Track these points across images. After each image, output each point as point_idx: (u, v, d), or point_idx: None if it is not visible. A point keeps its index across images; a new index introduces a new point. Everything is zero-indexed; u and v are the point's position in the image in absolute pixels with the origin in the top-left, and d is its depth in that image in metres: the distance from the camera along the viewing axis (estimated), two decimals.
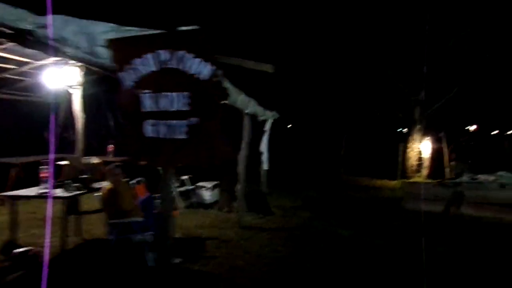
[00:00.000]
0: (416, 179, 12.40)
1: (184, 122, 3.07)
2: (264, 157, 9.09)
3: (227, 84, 4.50)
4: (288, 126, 22.65)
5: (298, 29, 14.03)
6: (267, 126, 9.14)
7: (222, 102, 4.07)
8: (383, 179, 12.33)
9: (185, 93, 3.06)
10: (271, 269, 4.17)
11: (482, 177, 9.04)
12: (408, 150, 12.70)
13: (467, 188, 7.38)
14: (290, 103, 15.44)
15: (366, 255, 4.84)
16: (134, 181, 5.18)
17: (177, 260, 4.25)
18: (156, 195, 4.32)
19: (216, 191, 7.80)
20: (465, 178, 8.76)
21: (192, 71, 3.01)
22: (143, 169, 4.37)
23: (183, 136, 3.09)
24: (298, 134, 19.44)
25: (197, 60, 3.00)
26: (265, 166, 9.02)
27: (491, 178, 9.00)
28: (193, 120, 3.05)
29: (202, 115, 3.03)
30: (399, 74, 12.34)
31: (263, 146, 9.14)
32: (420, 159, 12.68)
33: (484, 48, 11.61)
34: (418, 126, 12.55)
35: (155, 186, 4.29)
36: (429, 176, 12.40)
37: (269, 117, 9.02)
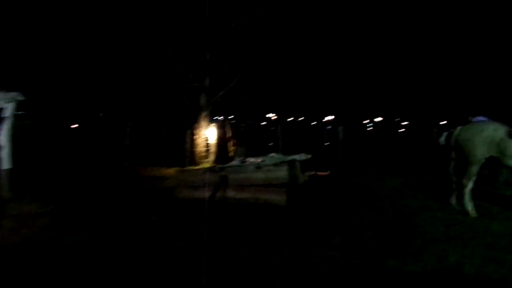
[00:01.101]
0: (204, 165, 12.58)
1: None
2: (4, 153, 7.23)
3: None
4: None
5: None
6: (7, 113, 7.30)
7: None
8: (172, 167, 11.99)
9: None
10: None
11: (251, 159, 9.67)
12: (196, 137, 12.74)
13: (231, 171, 7.58)
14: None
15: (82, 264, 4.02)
16: None
17: None
18: None
19: None
20: (235, 162, 9.13)
21: None
22: None
23: None
24: (72, 125, 17.02)
25: None
26: (5, 164, 7.19)
27: (259, 159, 9.73)
28: None
29: None
30: (182, 59, 12.10)
31: (2, 139, 7.25)
32: (208, 145, 12.94)
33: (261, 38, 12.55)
34: (204, 113, 12.71)
35: None
36: (216, 161, 12.79)
37: (8, 101, 7.20)
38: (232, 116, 15.79)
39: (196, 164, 12.58)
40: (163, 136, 11.54)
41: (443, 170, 11.09)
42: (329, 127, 18.45)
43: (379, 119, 37.43)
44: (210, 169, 7.85)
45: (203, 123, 12.77)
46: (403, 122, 32.54)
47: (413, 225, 5.63)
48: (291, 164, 9.69)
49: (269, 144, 15.23)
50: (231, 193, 7.43)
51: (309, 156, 11.74)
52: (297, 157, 11.27)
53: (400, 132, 22.64)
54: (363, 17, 17.79)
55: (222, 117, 12.66)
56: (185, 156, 12.24)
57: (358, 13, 17.68)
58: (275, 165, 7.51)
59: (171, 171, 11.54)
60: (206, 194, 7.59)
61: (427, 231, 5.27)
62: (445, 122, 22.72)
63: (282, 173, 7.25)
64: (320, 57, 19.79)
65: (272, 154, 11.69)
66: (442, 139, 14.36)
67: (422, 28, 14.53)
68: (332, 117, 34.23)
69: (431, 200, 7.39)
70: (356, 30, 19.55)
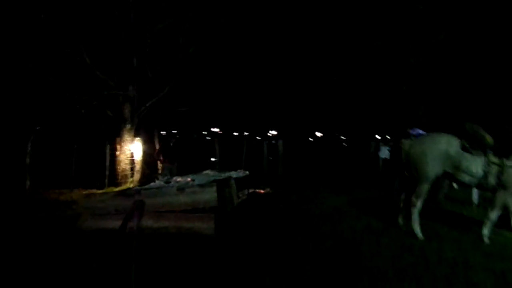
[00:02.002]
0: (127, 185, 11.01)
1: None
2: None
3: None
4: None
5: None
6: None
7: None
8: (88, 188, 10.29)
9: None
10: None
11: (178, 178, 8.41)
12: (118, 152, 11.16)
13: (148, 195, 6.26)
14: None
15: None
16: None
17: None
18: None
19: None
20: (157, 182, 7.82)
21: None
22: None
23: None
24: None
25: None
26: None
27: (188, 178, 8.50)
28: None
29: None
30: (101, 64, 10.57)
31: None
32: (133, 162, 11.40)
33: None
34: (128, 126, 11.19)
35: None
36: (141, 181, 11.29)
37: None
38: (165, 132, 14.37)
39: (119, 184, 10.96)
40: (74, 151, 9.81)
41: (386, 186, 10.84)
42: (273, 141, 17.77)
43: (319, 134, 37.89)
44: (122, 193, 6.46)
45: (127, 137, 11.23)
46: (342, 136, 33.05)
47: (358, 255, 4.77)
48: (225, 183, 8.59)
49: (212, 160, 14.06)
50: (148, 222, 6.11)
51: (247, 172, 10.76)
52: (233, 174, 10.22)
53: (341, 146, 22.62)
54: (299, 28, 17.58)
55: (153, 132, 11.25)
56: (105, 175, 10.58)
57: (294, 24, 17.45)
58: (201, 186, 6.30)
59: (83, 193, 9.86)
60: (116, 223, 6.21)
61: (374, 264, 4.42)
62: (380, 136, 23.21)
63: (209, 195, 6.10)
64: (261, 70, 19.18)
65: (206, 172, 10.52)
66: (383, 154, 14.14)
67: (360, 40, 14.46)
68: (275, 132, 33.89)
69: (375, 220, 6.69)
70: (295, 43, 19.33)
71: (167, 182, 7.86)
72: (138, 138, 11.44)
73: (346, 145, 23.25)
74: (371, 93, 16.51)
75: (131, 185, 11.06)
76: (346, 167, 15.68)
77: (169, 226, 6.04)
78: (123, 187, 10.76)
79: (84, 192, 9.98)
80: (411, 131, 11.55)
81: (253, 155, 14.20)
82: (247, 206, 8.33)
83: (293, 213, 7.53)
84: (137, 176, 11.28)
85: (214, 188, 6.12)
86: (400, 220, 5.97)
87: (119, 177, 11.08)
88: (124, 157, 11.16)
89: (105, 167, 10.63)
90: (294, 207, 8.25)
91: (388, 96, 15.46)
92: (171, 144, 10.59)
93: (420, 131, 11.63)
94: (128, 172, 11.30)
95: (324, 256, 4.71)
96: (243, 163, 13.17)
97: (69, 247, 5.37)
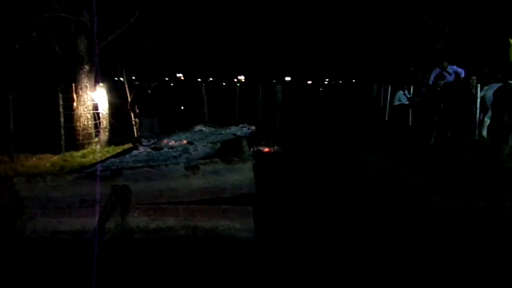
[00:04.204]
0: (93, 147, 8.27)
1: None
2: None
3: None
4: None
5: None
6: None
7: None
8: (40, 153, 7.53)
9: None
10: None
11: (171, 141, 5.89)
12: (76, 104, 8.23)
13: (135, 178, 3.75)
14: None
15: None
16: None
17: None
18: None
19: None
20: (143, 148, 5.26)
21: None
22: None
23: None
24: None
25: None
26: None
27: (184, 140, 6.03)
28: None
29: None
30: None
31: None
32: (97, 116, 8.56)
33: None
34: (86, 67, 8.17)
35: None
36: (110, 141, 8.57)
37: None
38: (134, 78, 11.33)
39: (80, 146, 8.20)
40: (10, 103, 6.84)
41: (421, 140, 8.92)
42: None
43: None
44: (91, 174, 3.89)
45: (86, 82, 8.25)
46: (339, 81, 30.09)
47: None
48: (235, 146, 6.14)
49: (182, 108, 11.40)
50: (138, 221, 3.69)
51: (253, 128, 8.31)
52: (237, 130, 7.81)
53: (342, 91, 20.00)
54: None
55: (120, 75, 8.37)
56: (60, 136, 7.76)
57: None
58: (228, 161, 3.75)
59: (48, 159, 7.15)
60: (85, 223, 3.76)
61: None
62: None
63: (241, 175, 3.65)
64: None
65: (198, 127, 7.97)
66: (402, 99, 11.79)
67: None
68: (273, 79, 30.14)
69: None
70: None
71: (156, 148, 5.31)
72: (102, 85, 8.49)
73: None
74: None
75: (97, 147, 8.34)
76: (349, 114, 13.59)
77: (176, 226, 3.66)
78: (87, 150, 8.04)
79: (33, 160, 7.22)
80: (448, 69, 9.46)
81: (247, 104, 11.68)
82: (269, 178, 5.98)
83: (341, 184, 5.30)
84: (104, 136, 8.52)
85: (249, 164, 3.66)
86: None
87: (80, 137, 8.27)
88: (85, 109, 8.27)
89: (60, 124, 7.75)
90: (334, 172, 6.02)
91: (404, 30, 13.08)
92: (149, 92, 7.81)
93: (455, 68, 9.58)
94: (92, 130, 8.49)
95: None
96: (237, 115, 10.69)
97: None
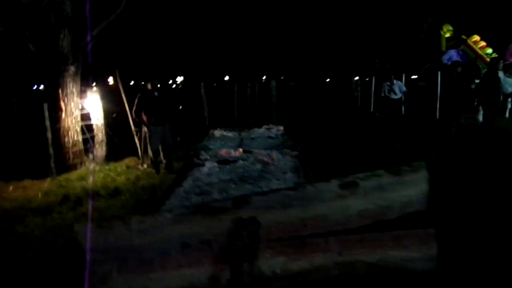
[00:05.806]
0: (88, 168, 6.70)
1: None
2: None
3: None
4: None
5: None
6: None
7: None
8: (28, 178, 5.89)
9: None
10: None
11: (226, 152, 4.81)
12: (63, 114, 6.61)
13: (268, 205, 2.66)
14: None
15: None
16: None
17: None
18: None
19: None
20: (209, 163, 4.13)
21: None
22: None
23: None
24: None
25: None
26: None
27: (238, 154, 5.04)
28: None
29: None
30: None
31: None
32: (88, 128, 6.98)
33: None
34: (72, 68, 6.58)
35: None
36: (108, 157, 7.06)
37: None
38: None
39: (70, 167, 6.59)
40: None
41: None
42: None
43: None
44: (204, 206, 2.71)
45: (72, 88, 6.65)
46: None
47: None
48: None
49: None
50: (273, 263, 2.65)
51: (281, 128, 7.43)
52: (269, 133, 6.93)
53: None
54: None
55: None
56: (49, 155, 6.13)
57: None
58: (394, 172, 2.77)
59: (37, 186, 5.55)
60: (195, 276, 2.65)
61: None
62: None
63: (415, 188, 2.75)
64: None
65: (218, 133, 7.03)
66: (400, 89, 11.53)
67: None
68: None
69: None
70: None
71: (222, 161, 4.17)
72: (95, 89, 6.94)
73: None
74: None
75: (92, 165, 6.79)
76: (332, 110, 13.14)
77: (326, 265, 2.68)
78: (83, 171, 6.49)
79: (19, 189, 5.57)
80: (447, 54, 9.37)
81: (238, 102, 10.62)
82: None
83: None
84: (101, 151, 6.97)
85: (422, 174, 2.76)
86: None
87: (70, 155, 6.64)
88: (73, 121, 6.67)
89: (48, 142, 6.12)
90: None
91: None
92: (156, 95, 6.48)
93: (453, 52, 9.54)
94: (79, 148, 6.87)
95: None
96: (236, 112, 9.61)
97: None
